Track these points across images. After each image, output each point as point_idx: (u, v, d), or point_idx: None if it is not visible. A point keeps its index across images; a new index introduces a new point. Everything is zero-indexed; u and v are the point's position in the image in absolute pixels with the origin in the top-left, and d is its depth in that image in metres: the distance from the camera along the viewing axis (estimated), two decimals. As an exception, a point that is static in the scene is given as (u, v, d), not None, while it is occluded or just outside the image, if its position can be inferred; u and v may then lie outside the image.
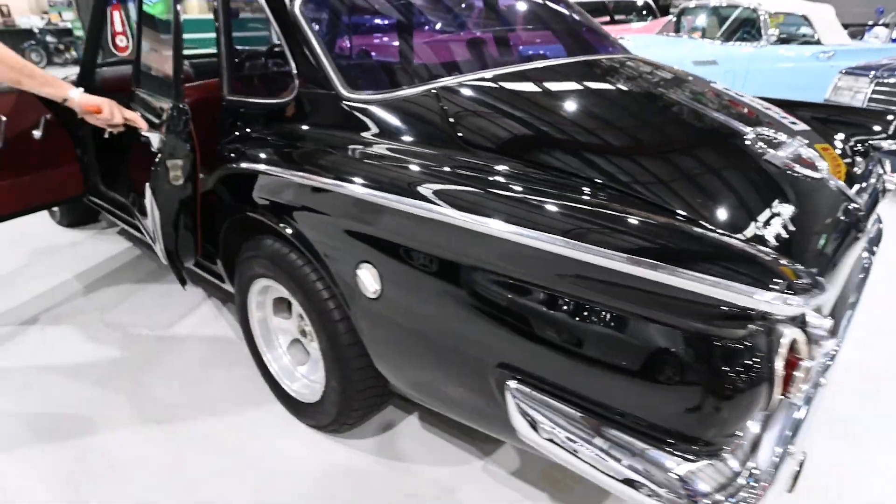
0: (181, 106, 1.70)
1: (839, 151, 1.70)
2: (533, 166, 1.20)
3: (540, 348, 1.03)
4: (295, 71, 1.52)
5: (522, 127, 1.33)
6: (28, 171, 2.43)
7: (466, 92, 1.44)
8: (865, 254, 1.68)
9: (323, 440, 1.75)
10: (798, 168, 1.36)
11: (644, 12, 8.92)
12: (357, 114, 1.43)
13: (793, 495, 1.12)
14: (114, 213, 2.66)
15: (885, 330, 2.34)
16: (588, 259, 0.94)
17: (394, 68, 1.50)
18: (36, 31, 11.16)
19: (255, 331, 1.84)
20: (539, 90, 1.51)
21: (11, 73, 1.53)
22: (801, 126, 1.72)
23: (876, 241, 1.81)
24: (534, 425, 1.04)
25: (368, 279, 1.30)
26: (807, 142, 1.55)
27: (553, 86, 1.54)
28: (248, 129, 1.67)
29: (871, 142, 1.78)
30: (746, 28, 5.69)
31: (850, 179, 1.52)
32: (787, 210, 1.18)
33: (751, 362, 0.85)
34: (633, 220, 0.98)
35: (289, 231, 1.47)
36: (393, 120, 1.39)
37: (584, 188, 1.12)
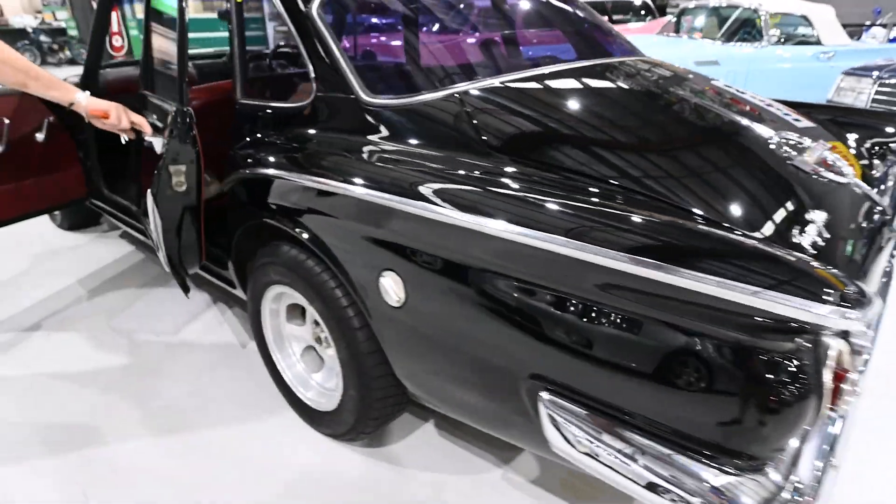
0: (185, 110, 1.67)
1: (855, 154, 1.69)
2: (563, 172, 1.18)
3: (575, 359, 1.01)
4: (313, 75, 1.49)
5: (550, 132, 1.30)
6: (31, 175, 2.39)
7: (492, 96, 1.41)
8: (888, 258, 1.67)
9: (336, 448, 1.72)
10: (825, 173, 1.35)
11: (643, 12, 8.92)
12: (378, 118, 1.40)
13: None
14: (117, 216, 2.62)
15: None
16: (631, 270, 0.92)
17: (414, 72, 1.47)
18: (29, 30, 11.06)
19: (269, 338, 1.81)
20: (564, 94, 1.48)
21: (17, 76, 1.49)
22: (816, 128, 1.71)
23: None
24: (567, 438, 1.02)
25: (392, 287, 1.28)
26: (829, 145, 1.53)
27: (576, 89, 1.52)
28: (263, 134, 1.64)
29: (891, 144, 1.77)
30: (747, 28, 5.69)
31: (870, 183, 1.51)
32: (820, 217, 1.16)
33: (800, 376, 0.83)
34: (676, 231, 0.96)
35: (307, 237, 1.44)
36: (415, 125, 1.36)
37: (619, 196, 1.10)
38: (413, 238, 1.21)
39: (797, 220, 1.12)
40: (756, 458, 0.89)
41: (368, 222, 1.29)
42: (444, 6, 1.69)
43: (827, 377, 0.85)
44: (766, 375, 0.84)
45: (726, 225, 1.05)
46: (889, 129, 1.91)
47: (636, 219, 1.01)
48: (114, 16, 13.18)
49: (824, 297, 0.80)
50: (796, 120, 1.68)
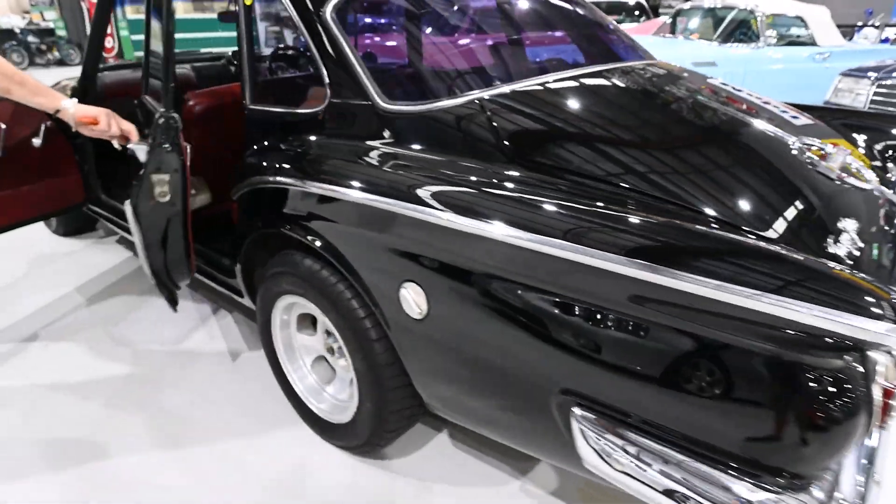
0: (169, 115, 1.60)
1: (865, 154, 1.68)
2: (592, 181, 1.15)
3: (611, 374, 0.98)
4: (327, 80, 1.45)
5: (575, 138, 1.28)
6: (28, 181, 2.34)
7: (513, 103, 1.38)
8: None
9: (349, 459, 1.69)
10: (848, 179, 1.33)
11: (637, 13, 8.94)
12: (395, 125, 1.37)
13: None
14: (114, 221, 2.57)
15: None
16: (671, 284, 0.89)
17: (432, 77, 1.44)
18: (17, 31, 10.89)
19: (279, 349, 1.77)
20: (585, 99, 1.46)
21: (1, 81, 1.42)
22: (817, 125, 1.69)
23: None
24: (603, 455, 0.99)
25: (413, 299, 1.24)
26: (849, 151, 1.52)
27: (597, 95, 1.50)
28: (275, 141, 1.60)
29: None
30: (743, 29, 5.71)
31: (887, 186, 1.50)
32: (850, 225, 1.14)
33: (850, 393, 0.81)
34: (715, 243, 0.94)
35: (323, 247, 1.41)
36: (435, 132, 1.33)
37: (652, 207, 1.08)
38: (436, 249, 1.18)
39: (830, 228, 1.10)
40: (802, 476, 0.87)
41: (389, 232, 1.26)
42: (459, 10, 1.66)
43: (877, 394, 0.83)
44: (815, 393, 0.82)
45: (764, 236, 1.03)
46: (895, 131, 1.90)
47: (674, 231, 0.99)
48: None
49: (876, 312, 0.78)
50: (794, 117, 1.66)
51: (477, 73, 1.47)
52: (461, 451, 1.72)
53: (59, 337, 2.32)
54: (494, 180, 1.18)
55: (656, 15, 9.68)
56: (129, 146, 1.64)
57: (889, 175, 1.67)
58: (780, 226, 1.07)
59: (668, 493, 0.93)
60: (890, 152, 1.80)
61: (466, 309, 1.16)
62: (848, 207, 1.20)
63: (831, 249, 1.04)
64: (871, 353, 0.85)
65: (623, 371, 0.97)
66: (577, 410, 1.03)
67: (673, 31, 6.41)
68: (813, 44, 5.52)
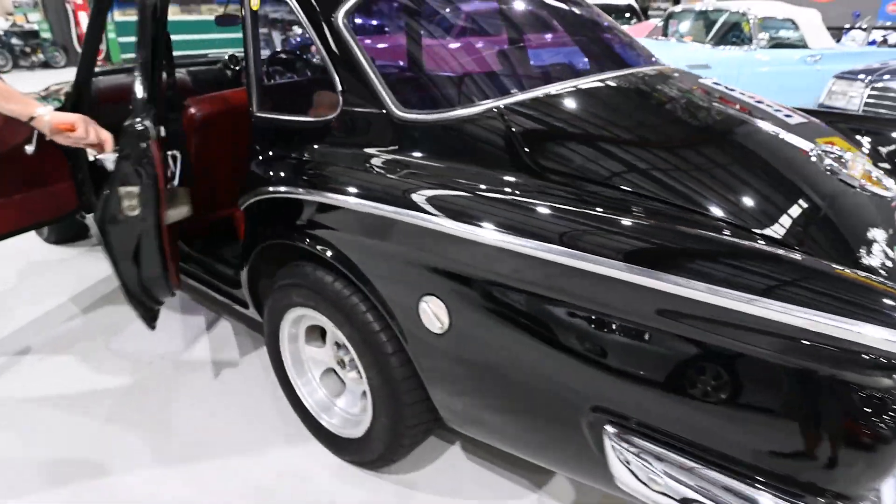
0: (140, 124, 1.52)
1: (869, 154, 1.67)
2: (617, 191, 1.13)
3: (646, 392, 0.96)
4: (339, 87, 1.42)
5: (599, 147, 1.25)
6: (20, 189, 2.27)
7: (532, 110, 1.35)
8: None
9: (361, 474, 1.65)
10: (869, 187, 1.32)
11: (627, 15, 8.97)
12: (411, 134, 1.34)
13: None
14: None
15: None
16: (710, 300, 0.87)
17: (449, 85, 1.41)
18: (0, 33, 10.70)
19: (287, 362, 1.73)
20: (607, 106, 1.44)
21: None
22: (812, 123, 1.68)
23: None
24: (638, 475, 0.97)
25: (434, 313, 1.21)
26: (866, 157, 1.51)
27: (617, 102, 1.48)
28: (284, 150, 1.55)
29: None
30: (735, 32, 5.75)
31: None
32: (880, 235, 1.13)
33: None
34: (752, 256, 0.92)
35: (336, 259, 1.37)
36: (453, 141, 1.30)
37: (682, 217, 1.06)
38: (459, 262, 1.15)
39: (861, 239, 1.09)
40: (848, 497, 0.85)
41: (408, 245, 1.22)
42: (473, 16, 1.63)
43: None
44: (864, 412, 0.80)
45: (800, 248, 1.01)
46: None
47: (710, 245, 0.96)
48: (84, 17, 12.89)
49: None
50: (788, 116, 1.65)
51: (493, 80, 1.44)
52: (475, 463, 1.69)
53: (55, 349, 2.25)
54: (517, 191, 1.15)
55: (646, 17, 9.73)
56: (98, 156, 1.56)
57: None
58: (812, 238, 1.05)
59: None
60: None
61: (491, 324, 1.13)
62: (875, 216, 1.19)
63: (865, 261, 1.03)
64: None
65: (658, 388, 0.94)
66: (609, 428, 1.01)
67: (665, 34, 6.43)
68: (804, 46, 5.57)
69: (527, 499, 1.58)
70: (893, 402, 0.80)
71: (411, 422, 1.44)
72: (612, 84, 1.56)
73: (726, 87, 1.80)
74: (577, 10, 1.88)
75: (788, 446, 0.86)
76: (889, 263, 1.05)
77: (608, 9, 9.02)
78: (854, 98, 4.17)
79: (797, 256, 0.92)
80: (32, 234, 3.25)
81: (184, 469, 1.67)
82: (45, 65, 11.05)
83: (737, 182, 1.18)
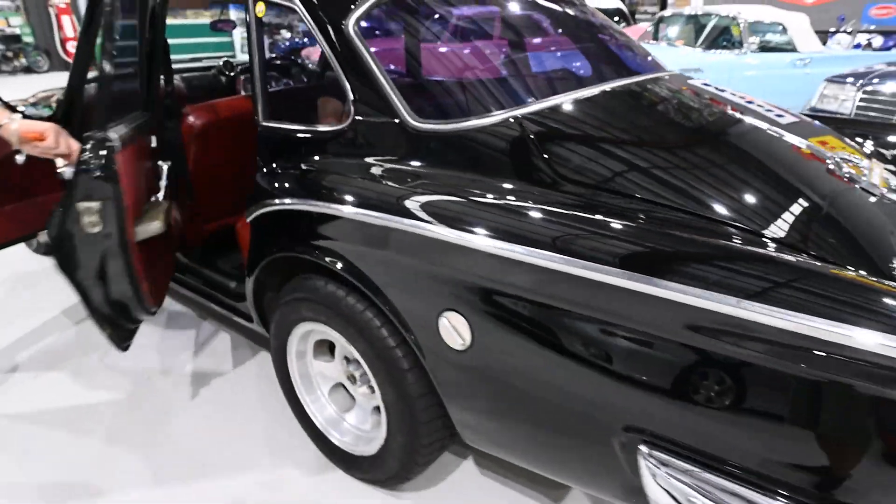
0: (102, 136, 1.43)
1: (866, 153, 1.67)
2: (644, 203, 1.10)
3: (683, 411, 0.93)
4: (351, 97, 1.38)
5: (621, 157, 1.22)
6: (11, 199, 2.21)
7: (552, 120, 1.32)
8: None
9: (374, 492, 1.61)
10: (888, 194, 1.31)
11: (616, 18, 9.01)
12: (427, 145, 1.30)
13: None
14: None
15: None
16: (747, 316, 0.85)
17: (465, 94, 1.37)
18: (-19, 37, 10.51)
19: (295, 379, 1.68)
20: (627, 114, 1.41)
21: None
22: (802, 121, 1.68)
23: None
24: (677, 498, 0.94)
25: (455, 329, 1.18)
26: (882, 165, 1.50)
27: (638, 109, 1.45)
28: (292, 160, 1.51)
29: None
30: (726, 36, 5.80)
31: None
32: None
33: None
34: (794, 272, 0.90)
35: (350, 273, 1.33)
36: (470, 152, 1.26)
37: (712, 228, 1.03)
38: (482, 277, 1.12)
39: (892, 251, 1.07)
40: None
41: (425, 258, 1.19)
42: (488, 23, 1.60)
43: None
44: None
45: (831, 261, 0.99)
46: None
47: (743, 257, 0.94)
48: (67, 21, 12.69)
49: None
50: (779, 115, 1.65)
51: (510, 89, 1.41)
52: (489, 478, 1.66)
53: (49, 366, 2.18)
54: (540, 203, 1.12)
55: (634, 21, 9.79)
56: (59, 169, 1.46)
57: None
58: (847, 252, 1.03)
59: None
60: None
61: (517, 341, 1.09)
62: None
63: (898, 273, 1.01)
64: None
65: (697, 407, 0.92)
66: (644, 448, 0.98)
67: (656, 38, 6.47)
68: (793, 50, 5.62)
69: (544, 514, 1.55)
70: None
71: (427, 439, 1.41)
72: (630, 90, 1.54)
73: (734, 93, 1.79)
74: (585, 17, 1.86)
75: (845, 470, 0.83)
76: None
77: (597, 13, 9.07)
78: (846, 102, 4.21)
79: (847, 273, 0.91)
80: (21, 245, 3.16)
81: (186, 491, 1.62)
82: (28, 69, 10.85)
83: (764, 193, 1.17)
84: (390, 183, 1.29)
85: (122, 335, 1.69)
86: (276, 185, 1.50)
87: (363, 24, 1.39)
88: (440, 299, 1.19)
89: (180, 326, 2.45)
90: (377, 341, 1.35)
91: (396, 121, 1.33)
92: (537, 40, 1.68)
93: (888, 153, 1.88)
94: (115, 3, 1.56)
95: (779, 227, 1.06)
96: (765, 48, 5.64)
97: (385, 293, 1.28)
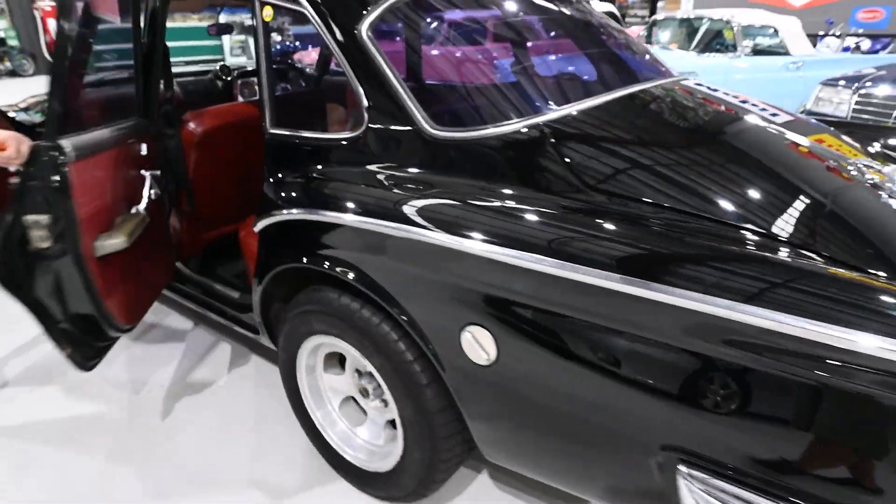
0: (52, 145, 1.35)
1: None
2: (679, 214, 1.07)
3: (725, 429, 0.90)
4: (365, 104, 1.34)
5: (650, 164, 1.19)
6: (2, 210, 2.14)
7: (575, 127, 1.29)
8: None
9: (386, 510, 1.57)
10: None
11: (608, 22, 9.04)
12: (445, 154, 1.27)
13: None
14: None
15: None
16: (790, 332, 0.82)
17: (485, 101, 1.34)
18: (-36, 40, 10.33)
19: (305, 395, 1.63)
20: (651, 120, 1.39)
21: None
22: (798, 119, 1.67)
23: None
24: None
25: (479, 343, 1.14)
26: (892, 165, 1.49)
27: (662, 114, 1.43)
28: (302, 169, 1.47)
29: None
30: (719, 39, 5.83)
31: None
32: None
33: None
34: (834, 283, 0.87)
35: (365, 285, 1.29)
36: (491, 161, 1.23)
37: (751, 239, 1.01)
38: (507, 290, 1.08)
39: None
40: None
41: (449, 271, 1.15)
42: (508, 27, 1.56)
43: None
44: None
45: (872, 272, 0.96)
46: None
47: (782, 270, 0.91)
48: (53, 24, 12.50)
49: None
50: (774, 115, 1.64)
51: (531, 95, 1.38)
52: (506, 492, 1.62)
53: (45, 380, 2.12)
54: (569, 213, 1.09)
55: (624, 24, 9.84)
56: (11, 180, 1.37)
57: None
58: (882, 260, 1.01)
59: None
60: None
61: (545, 357, 1.06)
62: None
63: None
64: None
65: (740, 424, 0.89)
66: (683, 468, 0.95)
67: (649, 41, 6.49)
68: (786, 53, 5.66)
69: (563, 529, 1.52)
70: None
71: (446, 455, 1.37)
72: (647, 95, 1.52)
73: (735, 94, 1.78)
74: (598, 23, 1.83)
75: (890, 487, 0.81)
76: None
77: (589, 16, 9.10)
78: (842, 105, 4.23)
79: (875, 281, 0.88)
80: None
81: (196, 510, 1.57)
82: (13, 73, 10.67)
83: (799, 202, 1.14)
84: (408, 192, 1.25)
85: (86, 354, 1.60)
86: (286, 194, 1.46)
87: (376, 28, 1.35)
88: (463, 313, 1.15)
89: (178, 336, 2.38)
90: (394, 355, 1.31)
91: (413, 128, 1.30)
92: (554, 45, 1.65)
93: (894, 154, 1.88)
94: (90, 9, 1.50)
95: (812, 235, 1.04)
96: (758, 51, 5.68)
97: (403, 306, 1.24)
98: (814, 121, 1.78)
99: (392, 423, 1.57)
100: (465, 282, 1.14)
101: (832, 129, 1.71)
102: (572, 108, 1.34)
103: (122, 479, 1.67)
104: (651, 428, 0.97)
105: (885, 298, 0.85)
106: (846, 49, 7.55)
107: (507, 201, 1.15)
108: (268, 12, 1.51)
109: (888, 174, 1.42)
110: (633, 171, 1.18)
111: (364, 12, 1.38)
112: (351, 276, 1.32)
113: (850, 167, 1.37)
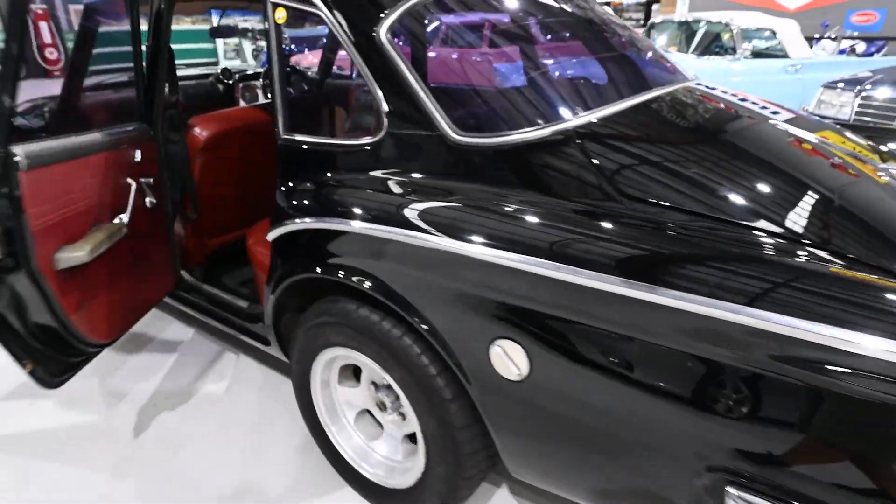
0: (3, 152, 1.29)
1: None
2: (719, 223, 1.03)
3: (777, 447, 0.86)
4: (385, 108, 1.29)
5: (680, 170, 1.15)
6: None
7: (610, 132, 1.25)
8: None
9: (407, 527, 1.51)
10: None
11: (604, 25, 9.04)
12: (470, 160, 1.22)
13: None
14: None
15: None
16: (842, 346, 0.78)
17: (512, 105, 1.29)
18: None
19: (320, 410, 1.58)
20: (678, 124, 1.35)
21: None
22: (800, 117, 1.65)
23: None
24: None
25: (511, 358, 1.09)
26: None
27: (693, 119, 1.39)
28: (318, 176, 1.42)
29: None
30: (719, 42, 5.83)
31: None
32: None
33: None
34: (874, 291, 0.84)
35: (385, 296, 1.24)
36: (518, 168, 1.18)
37: (790, 247, 0.97)
38: (540, 302, 1.04)
39: None
40: None
41: (476, 283, 1.11)
42: (533, 29, 1.52)
43: None
44: None
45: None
46: None
47: (827, 281, 0.88)
48: (44, 26, 12.36)
49: None
50: (774, 113, 1.62)
51: (558, 100, 1.33)
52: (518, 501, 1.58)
53: (47, 393, 2.05)
54: (605, 223, 1.05)
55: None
56: None
57: None
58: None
59: None
60: None
61: (583, 373, 1.01)
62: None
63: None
64: None
65: (794, 444, 0.85)
66: (733, 490, 0.91)
67: (648, 44, 6.48)
68: (784, 56, 5.67)
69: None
70: None
71: (471, 472, 1.32)
72: (672, 99, 1.48)
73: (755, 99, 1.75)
74: (617, 27, 1.80)
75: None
76: None
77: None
78: (844, 108, 4.23)
79: None
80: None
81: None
82: None
83: (831, 208, 1.11)
84: (434, 200, 1.20)
85: (52, 370, 1.52)
86: (301, 202, 1.41)
87: (395, 31, 1.31)
88: (493, 326, 1.11)
89: (181, 346, 2.32)
90: (417, 369, 1.27)
91: (435, 134, 1.25)
92: (577, 49, 1.61)
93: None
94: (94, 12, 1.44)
95: (863, 247, 1.00)
96: (757, 54, 5.68)
97: (428, 318, 1.20)
98: (816, 118, 1.76)
99: (410, 437, 1.52)
100: (494, 294, 1.09)
101: (837, 127, 1.70)
102: (600, 113, 1.30)
103: (126, 492, 1.61)
104: (698, 447, 0.93)
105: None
106: (842, 52, 7.57)
107: (539, 210, 1.11)
108: (280, 14, 1.46)
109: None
110: (670, 178, 1.14)
111: (383, 14, 1.33)
112: (370, 287, 1.27)
113: (880, 173, 1.34)
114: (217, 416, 1.93)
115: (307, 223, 1.37)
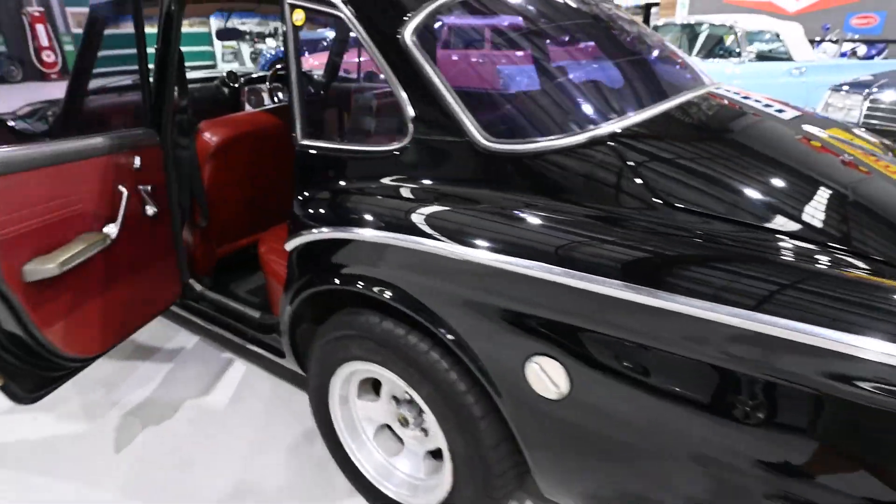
0: None
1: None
2: (765, 232, 0.99)
3: (844, 475, 0.81)
4: (411, 114, 1.24)
5: (727, 180, 1.11)
6: None
7: (648, 137, 1.20)
8: None
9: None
10: None
11: (605, 28, 9.03)
12: (502, 168, 1.17)
13: None
14: None
15: None
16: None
17: (545, 110, 1.25)
18: (-52, 46, 10.10)
19: (339, 424, 1.52)
20: (716, 129, 1.30)
21: None
22: (805, 114, 1.62)
23: None
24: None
25: (549, 376, 1.04)
26: None
27: (728, 122, 1.35)
28: (339, 184, 1.37)
29: None
30: (723, 45, 5.81)
31: None
32: None
33: None
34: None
35: (412, 309, 1.19)
36: (554, 175, 1.13)
37: (843, 262, 0.92)
38: (583, 317, 0.99)
39: None
40: None
41: (512, 297, 1.06)
42: (560, 31, 1.47)
43: None
44: None
45: None
46: None
47: (878, 293, 0.83)
48: (41, 29, 12.29)
49: None
50: (780, 111, 1.58)
51: (592, 104, 1.28)
52: (552, 526, 1.52)
53: (50, 406, 1.99)
54: (648, 235, 1.00)
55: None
56: None
57: None
58: None
59: None
60: None
61: (627, 393, 0.96)
62: None
63: None
64: None
65: (856, 468, 0.80)
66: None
67: (651, 47, 6.46)
68: (789, 58, 5.65)
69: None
70: None
71: (500, 492, 1.27)
72: (704, 103, 1.44)
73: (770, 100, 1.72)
74: (642, 30, 1.76)
75: None
76: None
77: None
78: (853, 111, 4.20)
79: None
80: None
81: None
82: (1, 80, 10.46)
83: (869, 213, 1.07)
84: (462, 210, 1.15)
85: (25, 385, 1.45)
86: (321, 211, 1.36)
87: (421, 33, 1.26)
88: (529, 342, 1.05)
89: (193, 358, 2.26)
90: (445, 385, 1.21)
91: (464, 140, 1.20)
92: (606, 53, 1.56)
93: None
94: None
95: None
96: (761, 57, 5.66)
97: (458, 333, 1.15)
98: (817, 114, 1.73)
99: (432, 453, 1.47)
100: (530, 308, 1.04)
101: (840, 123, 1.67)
102: (634, 118, 1.25)
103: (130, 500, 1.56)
104: (758, 475, 0.88)
105: None
106: (844, 54, 7.57)
107: (577, 220, 1.06)
108: (299, 16, 1.41)
109: None
110: (709, 185, 1.09)
111: (407, 16, 1.28)
112: (397, 300, 1.21)
113: None
114: (223, 425, 1.87)
115: (327, 233, 1.32)
